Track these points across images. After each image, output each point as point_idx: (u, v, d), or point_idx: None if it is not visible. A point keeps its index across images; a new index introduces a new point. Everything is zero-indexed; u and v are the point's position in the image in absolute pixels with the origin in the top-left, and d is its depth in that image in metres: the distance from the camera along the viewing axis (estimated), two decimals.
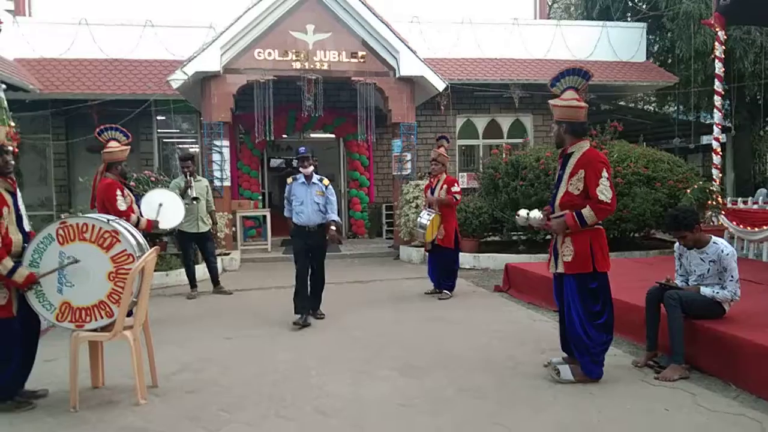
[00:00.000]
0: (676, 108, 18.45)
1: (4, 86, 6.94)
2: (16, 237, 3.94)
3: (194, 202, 7.74)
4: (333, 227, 6.33)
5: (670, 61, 16.66)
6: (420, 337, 5.65)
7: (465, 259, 9.34)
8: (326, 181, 6.40)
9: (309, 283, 6.39)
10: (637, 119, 16.00)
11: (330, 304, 7.11)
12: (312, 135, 14.67)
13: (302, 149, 6.34)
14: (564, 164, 4.25)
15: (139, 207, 6.40)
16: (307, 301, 6.29)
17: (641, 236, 10.85)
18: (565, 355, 4.47)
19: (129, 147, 6.07)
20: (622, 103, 17.77)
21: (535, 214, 4.45)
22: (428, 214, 7.36)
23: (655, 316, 4.53)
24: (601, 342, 4.20)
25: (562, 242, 4.20)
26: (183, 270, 8.38)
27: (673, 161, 10.29)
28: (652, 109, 20.29)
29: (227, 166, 11.22)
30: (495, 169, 10.45)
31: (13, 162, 4.01)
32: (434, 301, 7.27)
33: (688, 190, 8.89)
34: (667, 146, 15.46)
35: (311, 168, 6.30)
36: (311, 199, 6.25)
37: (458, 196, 7.47)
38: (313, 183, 6.30)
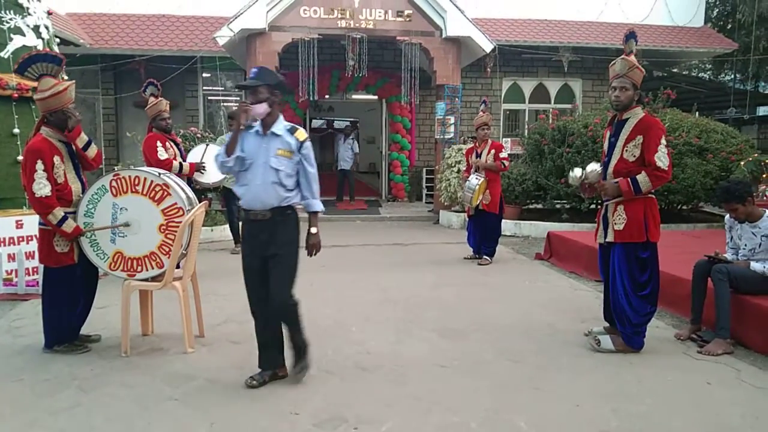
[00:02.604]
0: (732, 76, 17.69)
1: (57, 40, 7.08)
2: (75, 186, 4.09)
3: None
4: (313, 228, 3.66)
5: (729, 26, 15.95)
6: (459, 300, 5.68)
7: (506, 226, 9.26)
8: (301, 134, 3.57)
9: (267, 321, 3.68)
10: (691, 87, 15.40)
11: (370, 264, 7.22)
12: (354, 96, 14.61)
13: (253, 71, 3.60)
14: (617, 131, 4.14)
15: (184, 160, 6.55)
16: (270, 351, 3.72)
17: (689, 209, 10.58)
18: (607, 324, 4.44)
19: (162, 100, 6.23)
20: (675, 70, 17.11)
21: (593, 166, 4.21)
22: (477, 178, 7.28)
23: (702, 290, 4.45)
24: (645, 313, 4.15)
25: (614, 211, 4.12)
26: (227, 226, 8.56)
27: (727, 132, 9.91)
28: (707, 77, 19.50)
29: None
30: (541, 134, 10.23)
31: (79, 117, 4.13)
32: (474, 266, 7.28)
33: (742, 163, 8.58)
34: (721, 116, 14.90)
35: (264, 107, 3.48)
36: (264, 163, 3.49)
37: (506, 163, 7.35)
38: (273, 134, 3.53)
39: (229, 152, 3.50)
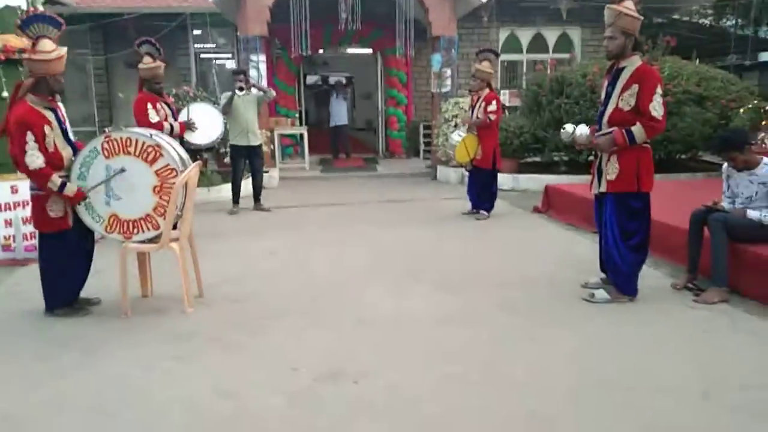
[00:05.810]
0: (734, 22, 17.34)
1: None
2: (65, 151, 4.03)
3: (239, 92, 7.79)
4: None
5: None
6: (457, 255, 5.70)
7: (504, 179, 9.20)
8: None
9: None
10: (692, 34, 15.09)
11: (368, 221, 7.22)
12: (349, 50, 14.33)
13: None
14: (614, 79, 4.08)
15: (176, 120, 6.49)
16: None
17: (688, 158, 10.52)
18: (603, 275, 4.47)
19: (161, 64, 6.18)
20: (675, 16, 16.73)
21: (582, 130, 4.28)
22: (458, 135, 7.22)
23: (698, 239, 4.45)
24: (634, 262, 4.18)
25: (608, 161, 4.11)
26: (224, 186, 8.51)
27: (727, 79, 9.75)
28: (708, 23, 19.11)
29: (264, 83, 11.12)
30: (539, 85, 10.09)
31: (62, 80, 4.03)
32: (471, 221, 7.27)
33: (742, 110, 8.48)
34: (722, 63, 14.66)
35: None
36: None
37: (492, 116, 7.12)
38: None
39: None
